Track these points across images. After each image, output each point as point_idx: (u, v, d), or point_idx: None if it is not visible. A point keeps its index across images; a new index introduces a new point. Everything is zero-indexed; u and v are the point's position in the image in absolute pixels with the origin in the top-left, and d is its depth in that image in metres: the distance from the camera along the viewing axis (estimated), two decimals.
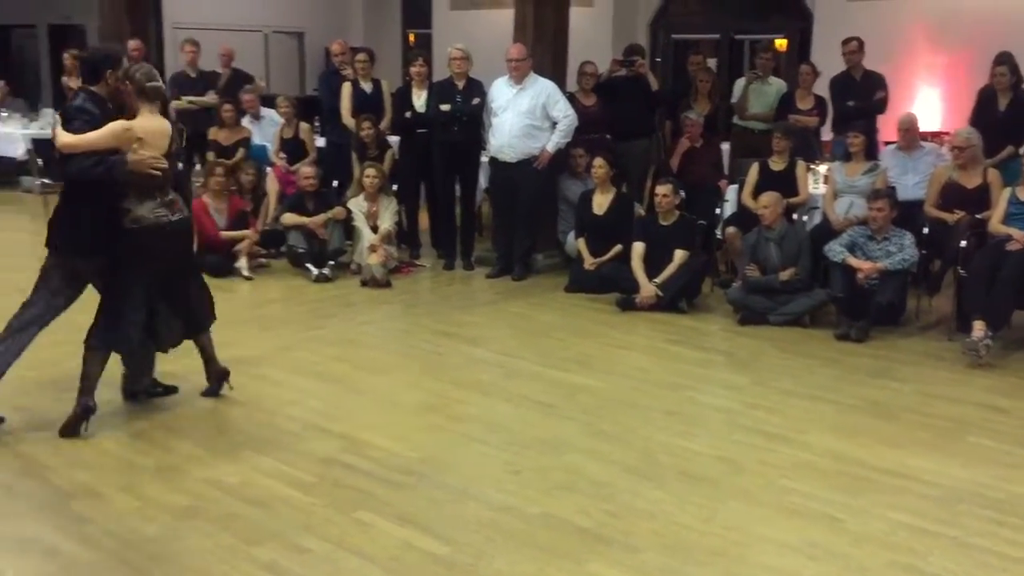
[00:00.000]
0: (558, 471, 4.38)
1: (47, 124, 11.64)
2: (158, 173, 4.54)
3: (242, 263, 7.96)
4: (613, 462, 4.48)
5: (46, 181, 10.17)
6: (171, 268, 4.80)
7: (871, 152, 7.72)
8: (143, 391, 5.12)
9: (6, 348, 4.65)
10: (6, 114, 12.21)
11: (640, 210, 8.15)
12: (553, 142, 7.95)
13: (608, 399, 5.36)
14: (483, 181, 8.70)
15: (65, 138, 4.43)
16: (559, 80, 8.30)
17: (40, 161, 10.34)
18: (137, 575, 3.45)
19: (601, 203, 7.85)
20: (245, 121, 9.76)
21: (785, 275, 6.85)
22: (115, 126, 4.48)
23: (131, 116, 4.61)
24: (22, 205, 11.38)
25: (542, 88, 7.93)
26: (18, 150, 11.45)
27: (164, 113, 4.77)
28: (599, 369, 5.88)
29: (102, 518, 3.83)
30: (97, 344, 4.69)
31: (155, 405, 5.08)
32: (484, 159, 8.42)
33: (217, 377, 5.20)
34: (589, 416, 5.08)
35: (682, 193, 7.46)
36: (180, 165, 5.57)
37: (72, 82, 11.03)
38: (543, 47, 8.27)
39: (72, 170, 4.47)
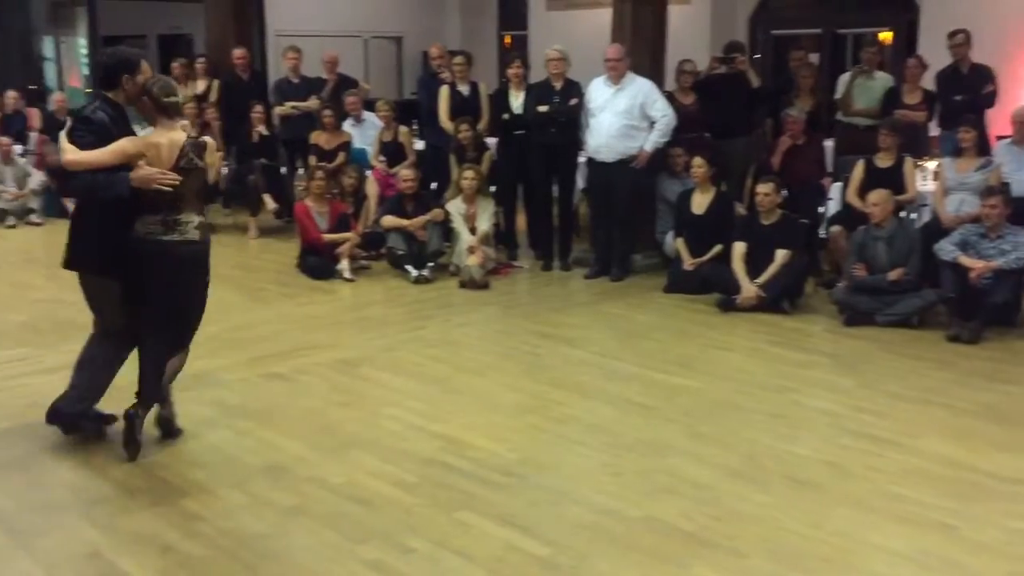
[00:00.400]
0: (660, 474, 4.34)
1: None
2: (167, 188, 4.29)
3: (343, 265, 8.09)
4: (716, 465, 4.42)
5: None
6: (153, 287, 4.43)
7: (982, 147, 7.45)
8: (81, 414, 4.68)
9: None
10: None
11: (741, 209, 8.02)
12: (651, 141, 7.89)
13: (709, 401, 5.29)
14: (581, 182, 8.67)
15: (70, 155, 4.26)
16: (657, 79, 8.23)
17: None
18: (247, 571, 3.53)
19: (701, 202, 7.76)
20: (346, 125, 9.93)
21: (894, 275, 6.66)
22: (122, 144, 4.30)
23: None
24: None
25: (640, 87, 7.87)
26: None
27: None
28: (699, 371, 5.81)
29: (213, 515, 3.93)
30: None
31: (262, 406, 5.19)
32: (582, 159, 8.40)
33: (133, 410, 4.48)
34: (690, 418, 5.02)
35: (784, 192, 7.32)
36: (215, 180, 5.40)
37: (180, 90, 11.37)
38: (641, 46, 8.20)
39: (77, 188, 4.38)
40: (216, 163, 4.72)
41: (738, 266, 7.15)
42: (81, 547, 3.69)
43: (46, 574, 3.50)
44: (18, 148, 11.31)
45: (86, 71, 17.73)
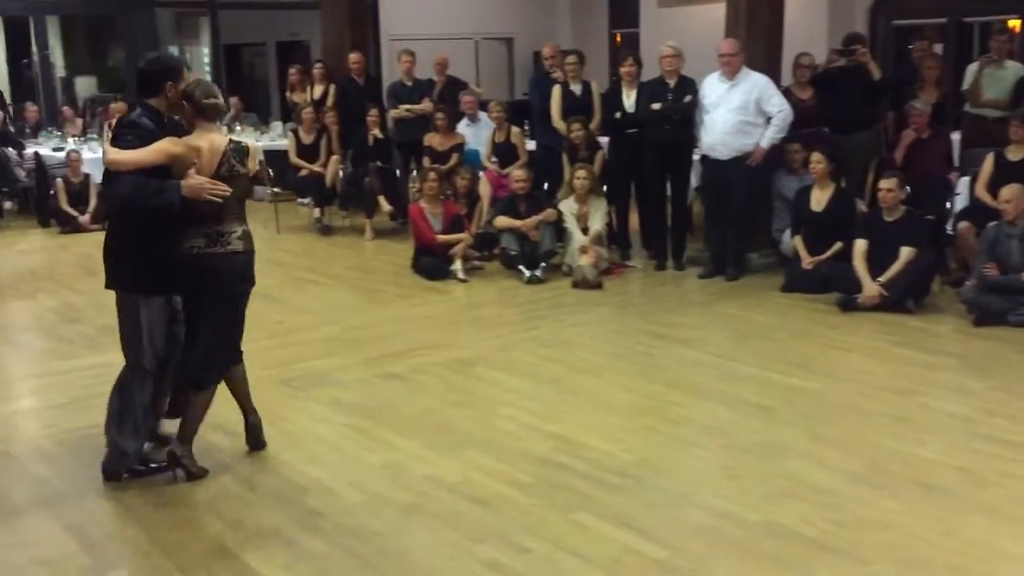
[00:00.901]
0: (779, 477, 4.24)
1: (276, 136, 12.37)
2: (218, 200, 4.10)
3: (457, 266, 8.16)
4: (838, 469, 4.30)
5: (277, 191, 10.78)
6: (191, 300, 4.32)
7: None
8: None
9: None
10: (240, 128, 13.03)
11: (862, 206, 7.80)
12: (767, 138, 7.73)
13: (830, 403, 5.16)
14: (695, 180, 8.56)
15: (112, 155, 4.05)
16: (774, 74, 8.06)
17: (271, 171, 10.95)
18: (367, 568, 3.58)
19: (820, 199, 7.57)
20: (461, 126, 10.01)
21: None
22: (164, 144, 4.10)
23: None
24: (255, 213, 12.06)
25: (755, 83, 7.72)
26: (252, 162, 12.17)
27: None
28: (820, 372, 5.66)
29: (333, 512, 4.00)
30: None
31: (379, 405, 5.27)
32: (696, 157, 8.29)
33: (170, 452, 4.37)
34: (810, 420, 4.89)
35: (907, 187, 7.08)
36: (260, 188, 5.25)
37: (296, 96, 11.66)
38: (756, 40, 8.04)
39: (124, 192, 4.09)
40: (257, 169, 4.40)
41: (859, 264, 6.95)
42: (208, 542, 3.80)
43: (177, 568, 3.62)
44: None
45: (209, 79, 18.33)
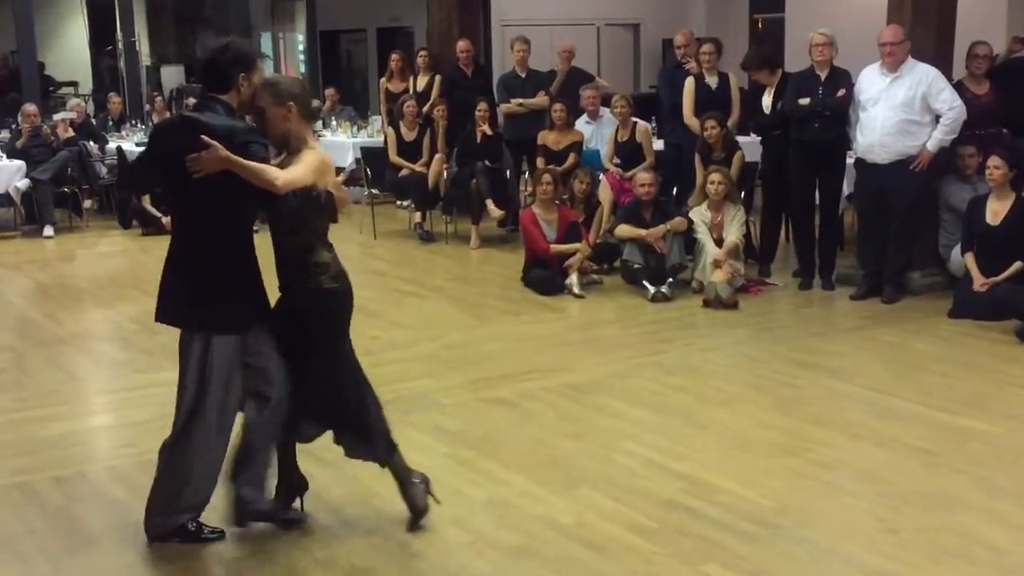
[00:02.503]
0: (946, 533, 4.13)
1: (375, 132, 12.58)
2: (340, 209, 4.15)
3: (573, 279, 8.17)
4: (1016, 526, 4.17)
5: (374, 192, 10.97)
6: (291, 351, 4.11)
7: None
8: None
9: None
10: (335, 123, 13.30)
11: None
12: (935, 139, 7.55)
13: (1007, 449, 5.01)
14: (847, 186, 8.41)
15: (287, 175, 3.83)
16: (944, 66, 7.88)
17: (368, 170, 11.16)
18: None
19: (996, 211, 7.37)
20: (580, 123, 10.05)
21: None
22: (321, 156, 4.04)
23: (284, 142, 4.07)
24: (350, 217, 12.33)
25: (922, 75, 7.56)
26: (347, 159, 12.42)
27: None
28: (994, 412, 5.51)
29: (433, 552, 4.04)
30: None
31: (483, 433, 5.31)
32: (850, 160, 8.15)
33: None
34: (983, 469, 4.76)
35: None
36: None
37: (393, 86, 11.85)
38: (924, 27, 7.88)
39: (290, 208, 3.91)
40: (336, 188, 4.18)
41: None
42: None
43: None
44: None
45: (303, 68, 18.83)
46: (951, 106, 7.53)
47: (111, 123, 13.61)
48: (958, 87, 7.82)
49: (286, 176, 3.79)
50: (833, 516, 4.34)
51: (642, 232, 8.15)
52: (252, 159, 3.76)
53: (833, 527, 4.22)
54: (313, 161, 3.92)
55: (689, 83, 8.90)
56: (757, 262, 8.67)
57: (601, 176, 9.44)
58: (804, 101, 7.89)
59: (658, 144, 9.73)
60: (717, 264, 7.86)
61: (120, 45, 16.54)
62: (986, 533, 4.12)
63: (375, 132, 12.55)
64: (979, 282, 7.30)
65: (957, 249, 7.71)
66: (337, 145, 12.67)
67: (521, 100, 10.50)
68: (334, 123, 13.30)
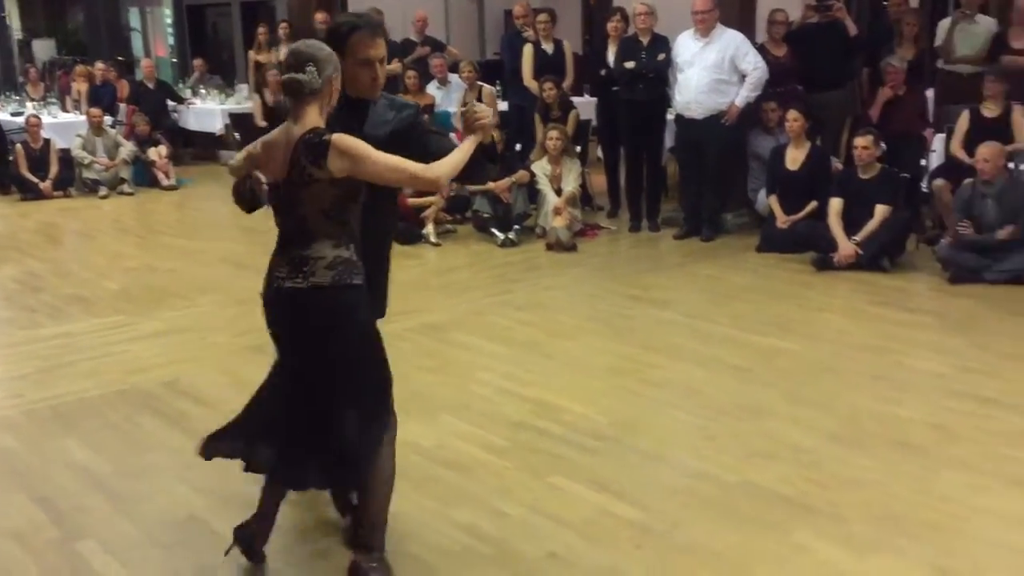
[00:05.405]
0: (757, 437, 4.27)
1: (242, 99, 12.22)
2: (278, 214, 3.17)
3: (429, 229, 8.12)
4: (815, 429, 4.33)
5: None
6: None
7: None
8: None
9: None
10: (204, 91, 12.88)
11: (837, 164, 7.82)
12: (742, 96, 7.72)
13: (807, 363, 5.19)
14: (669, 139, 8.55)
15: (439, 169, 3.08)
16: (748, 31, 8.05)
17: (237, 135, 10.85)
18: (344, 535, 3.58)
19: (795, 158, 7.58)
20: (431, 87, 9.93)
21: (1004, 234, 6.43)
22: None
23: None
24: (222, 179, 11.97)
25: (729, 40, 7.70)
26: (216, 125, 12.06)
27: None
28: (797, 332, 5.69)
29: None
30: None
31: None
32: (670, 117, 8.27)
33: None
34: (788, 381, 4.93)
35: (883, 145, 7.11)
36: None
37: (261, 56, 11.53)
38: None
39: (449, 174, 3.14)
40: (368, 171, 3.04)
41: (835, 223, 6.98)
42: (179, 510, 3.78)
43: (145, 537, 3.60)
44: (108, 119, 11.60)
45: (171, 41, 18.09)
46: (755, 67, 7.70)
47: None
48: (760, 50, 7.99)
49: (440, 170, 3.10)
50: (661, 427, 4.44)
51: (490, 185, 8.15)
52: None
53: (661, 437, 4.32)
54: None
55: (527, 49, 8.87)
56: (592, 209, 8.76)
57: (452, 135, 9.34)
58: (629, 65, 7.97)
59: (503, 105, 9.70)
60: (557, 212, 7.92)
61: None
62: (790, 435, 4.27)
63: (243, 99, 12.21)
64: (781, 220, 7.52)
65: (763, 192, 7.92)
66: (207, 112, 12.31)
67: None
68: (203, 91, 12.88)
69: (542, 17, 8.92)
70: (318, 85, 3.02)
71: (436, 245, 8.06)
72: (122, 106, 12.39)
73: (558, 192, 8.06)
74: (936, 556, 3.29)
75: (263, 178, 3.08)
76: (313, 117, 3.05)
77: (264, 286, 3.17)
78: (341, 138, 2.98)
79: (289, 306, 3.10)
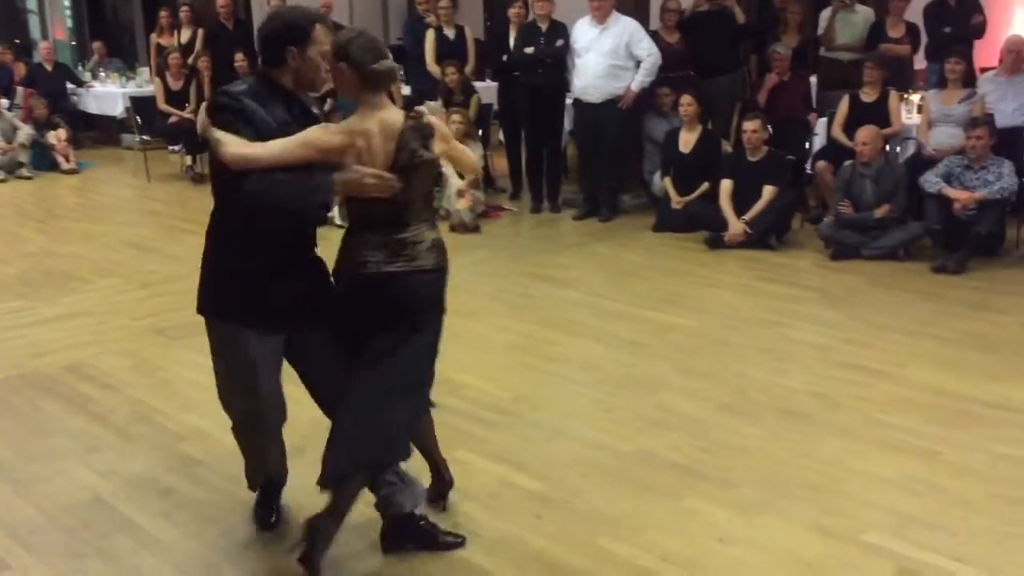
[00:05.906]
0: (651, 409, 4.36)
1: (143, 82, 11.89)
2: (385, 196, 2.92)
3: (334, 212, 8.01)
4: (706, 399, 4.44)
5: (146, 138, 10.43)
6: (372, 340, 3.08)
7: (968, 80, 7.40)
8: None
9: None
10: (104, 74, 12.49)
11: (727, 147, 7.99)
12: (637, 81, 7.81)
13: (699, 337, 5.30)
14: (568, 123, 8.61)
15: (235, 148, 2.84)
16: (642, 18, 8.15)
17: (138, 119, 10.57)
18: (248, 512, 3.55)
19: (687, 141, 7.71)
20: None
21: (880, 212, 6.65)
22: (314, 134, 2.89)
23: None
24: (124, 163, 11.65)
25: (625, 27, 7.78)
26: (117, 109, 11.72)
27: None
28: (689, 308, 5.82)
29: (212, 459, 3.94)
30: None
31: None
32: (568, 101, 8.33)
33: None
34: (681, 354, 5.03)
35: (770, 128, 7.29)
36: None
37: (162, 39, 11.24)
38: None
39: (256, 190, 2.85)
40: (459, 156, 3.23)
41: (725, 203, 7.13)
42: (82, 493, 3.70)
43: (48, 521, 3.51)
44: (4, 102, 11.18)
45: (70, 23, 17.47)
46: (649, 53, 7.80)
47: None
48: (654, 37, 8.08)
49: (233, 150, 2.85)
50: (561, 401, 4.50)
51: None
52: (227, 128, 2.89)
53: (561, 410, 4.38)
54: (304, 138, 2.87)
55: (430, 35, 8.83)
56: (495, 191, 8.78)
57: None
58: (529, 50, 7.99)
59: (405, 90, 9.62)
60: (460, 194, 7.85)
61: None
62: (683, 406, 4.37)
63: (143, 83, 11.88)
64: (675, 201, 7.66)
65: (658, 174, 8.04)
66: (107, 95, 11.96)
67: None
68: (103, 74, 12.49)
69: (444, 3, 8.88)
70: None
71: (340, 227, 7.91)
72: (19, 89, 11.95)
73: (461, 175, 8.03)
74: (817, 515, 3.42)
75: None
76: (391, 103, 3.05)
77: (346, 272, 3.08)
78: (437, 121, 3.05)
79: (386, 289, 3.01)
